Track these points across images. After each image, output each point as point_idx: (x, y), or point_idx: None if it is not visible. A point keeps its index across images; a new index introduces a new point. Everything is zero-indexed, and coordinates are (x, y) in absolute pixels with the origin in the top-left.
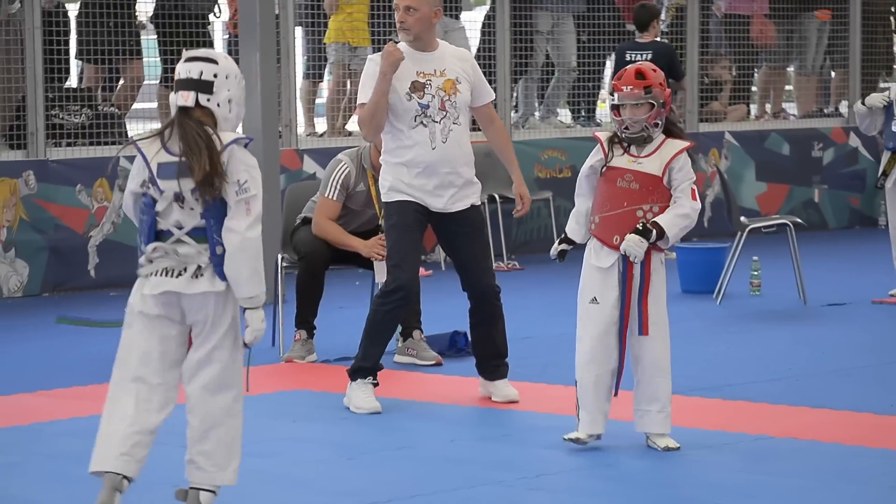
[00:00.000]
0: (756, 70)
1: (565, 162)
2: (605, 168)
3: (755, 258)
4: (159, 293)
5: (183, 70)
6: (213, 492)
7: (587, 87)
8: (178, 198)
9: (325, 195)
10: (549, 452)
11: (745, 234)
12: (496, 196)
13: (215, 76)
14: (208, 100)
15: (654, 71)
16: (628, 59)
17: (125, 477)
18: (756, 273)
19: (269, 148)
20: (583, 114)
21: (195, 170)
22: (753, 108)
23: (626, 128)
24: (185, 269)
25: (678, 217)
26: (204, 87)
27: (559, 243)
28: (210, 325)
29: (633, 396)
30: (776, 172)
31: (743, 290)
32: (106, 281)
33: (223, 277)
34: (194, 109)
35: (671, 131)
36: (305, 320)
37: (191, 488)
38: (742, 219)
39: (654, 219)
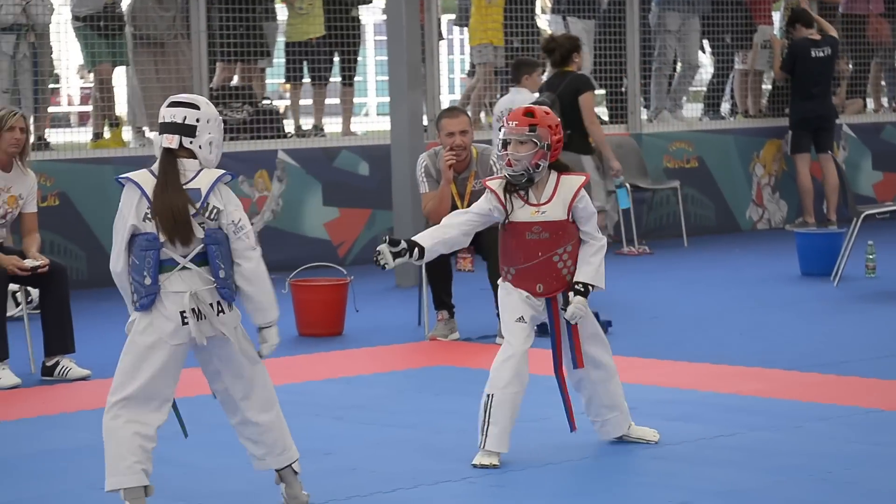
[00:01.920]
0: (870, 66)
1: (692, 153)
2: (507, 222)
3: (870, 242)
4: (205, 337)
5: (167, 114)
6: (294, 468)
7: (713, 83)
8: None
9: (421, 191)
10: (676, 425)
11: (860, 220)
12: (627, 185)
13: (197, 121)
14: (191, 142)
15: (547, 114)
16: (813, 55)
17: (144, 487)
18: (871, 256)
19: (415, 141)
20: (709, 108)
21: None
22: (870, 102)
23: (509, 164)
24: (205, 309)
25: (597, 263)
26: (187, 130)
27: (392, 247)
28: (238, 353)
29: (587, 410)
30: (892, 162)
31: (859, 272)
32: (267, 265)
33: (230, 300)
34: (179, 150)
35: (561, 167)
36: (442, 302)
37: (278, 471)
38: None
39: (582, 279)
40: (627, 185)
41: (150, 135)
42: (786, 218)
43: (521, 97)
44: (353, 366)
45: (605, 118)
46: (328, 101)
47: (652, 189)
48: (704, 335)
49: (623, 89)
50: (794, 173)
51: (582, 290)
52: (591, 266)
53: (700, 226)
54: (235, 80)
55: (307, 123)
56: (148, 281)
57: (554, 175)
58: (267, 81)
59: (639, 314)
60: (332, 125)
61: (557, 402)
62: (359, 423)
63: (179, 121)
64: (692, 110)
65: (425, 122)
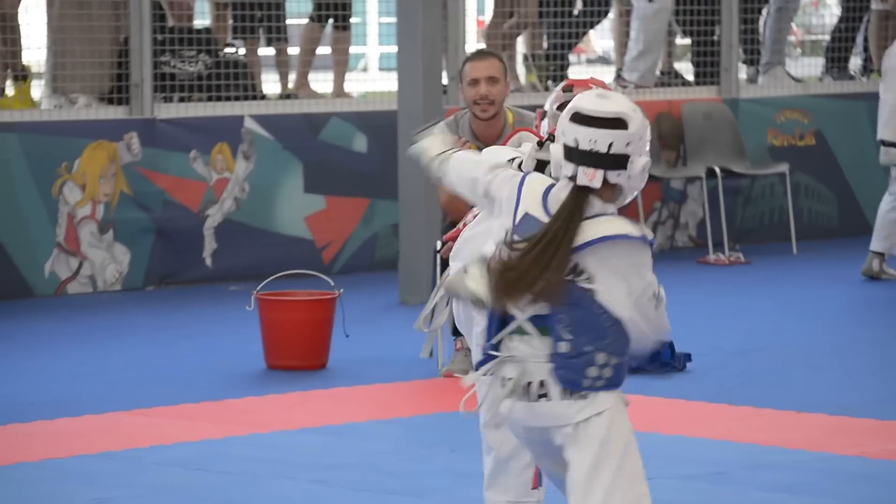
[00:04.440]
0: None
1: (808, 126)
2: None
3: None
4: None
5: (584, 138)
6: None
7: (839, 29)
8: None
9: None
10: (779, 497)
11: None
12: (716, 169)
13: (628, 145)
14: (618, 175)
15: None
16: None
17: None
18: None
19: (431, 106)
20: (833, 64)
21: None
22: None
23: None
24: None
25: None
26: (617, 162)
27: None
28: None
29: None
30: None
31: None
32: (225, 272)
33: (567, 384)
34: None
35: None
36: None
37: None
38: None
39: None
40: None
41: (81, 98)
42: None
43: None
44: (341, 411)
45: (690, 77)
46: (320, 50)
47: (751, 175)
48: (819, 376)
49: (715, 38)
50: None
51: None
52: None
53: (816, 226)
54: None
55: (281, 81)
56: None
57: None
58: (232, 22)
59: (729, 345)
60: (319, 84)
61: None
62: (348, 489)
63: (603, 150)
64: (808, 66)
65: (445, 81)
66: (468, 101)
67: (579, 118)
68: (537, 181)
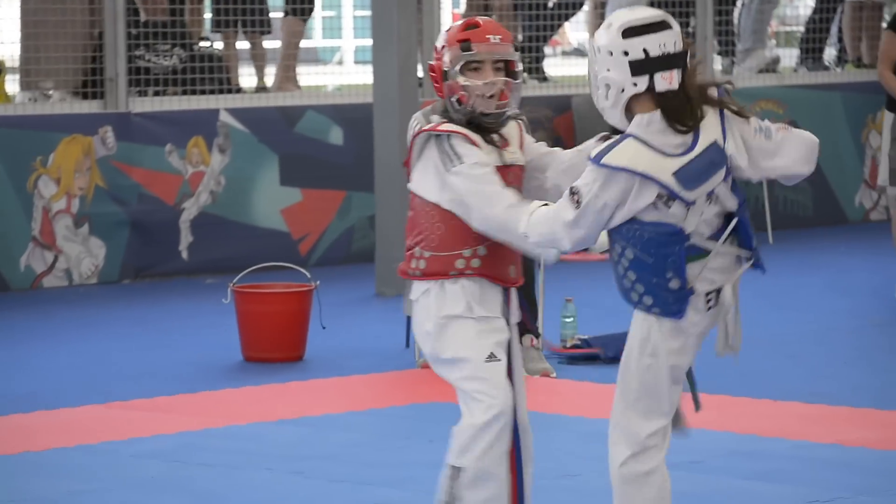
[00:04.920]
0: None
1: (783, 116)
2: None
3: None
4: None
5: (652, 45)
6: None
7: (814, 20)
8: (710, 196)
9: None
10: (756, 485)
11: None
12: None
13: (677, 43)
14: (681, 71)
15: None
16: None
17: None
18: None
19: (406, 98)
20: (808, 55)
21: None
22: None
23: None
24: None
25: None
26: (682, 59)
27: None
28: None
29: None
30: None
31: None
32: (201, 265)
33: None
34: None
35: None
36: None
37: None
38: None
39: None
40: None
41: (55, 93)
42: None
43: None
44: (318, 403)
45: None
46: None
47: None
48: (795, 365)
49: (690, 29)
50: None
51: None
52: None
53: (792, 216)
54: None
55: (257, 75)
56: (672, 284)
57: None
58: (208, 16)
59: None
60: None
61: (590, 452)
62: (326, 480)
63: (672, 49)
64: (784, 58)
65: (420, 74)
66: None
67: (635, 30)
68: (615, 156)
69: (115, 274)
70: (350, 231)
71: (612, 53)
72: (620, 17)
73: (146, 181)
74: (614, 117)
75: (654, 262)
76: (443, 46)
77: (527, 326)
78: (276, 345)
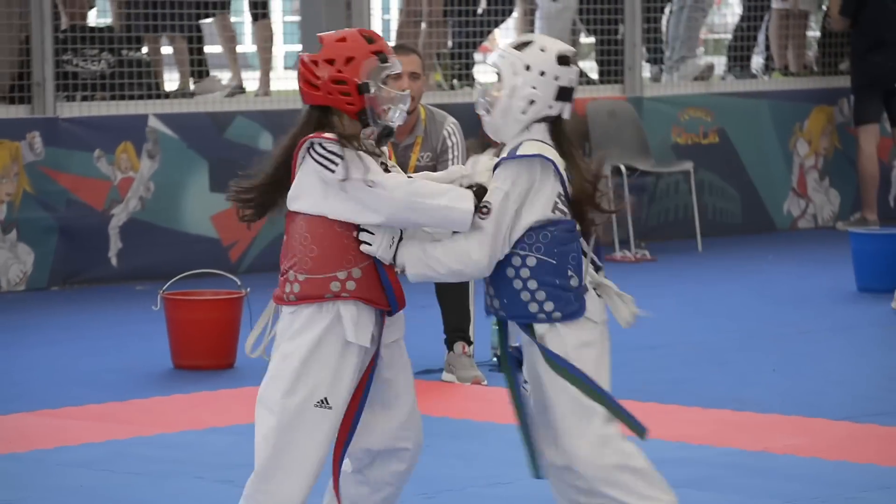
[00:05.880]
0: None
1: (711, 124)
2: None
3: None
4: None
5: (573, 78)
6: None
7: (741, 28)
8: None
9: None
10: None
11: None
12: (621, 167)
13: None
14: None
15: None
16: None
17: None
18: None
19: None
20: (735, 63)
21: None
22: None
23: None
24: None
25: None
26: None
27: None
28: None
29: None
30: None
31: None
32: (131, 271)
33: None
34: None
35: None
36: None
37: None
38: None
39: None
40: None
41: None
42: (838, 214)
43: None
44: (249, 410)
45: (594, 76)
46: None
47: (656, 173)
48: (723, 371)
49: (619, 37)
50: (851, 152)
51: None
52: None
53: (721, 223)
54: (91, 20)
55: (182, 80)
56: (571, 283)
57: None
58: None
59: (635, 342)
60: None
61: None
62: None
63: (574, 85)
64: (722, 66)
65: None
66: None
67: (567, 61)
68: (526, 148)
69: (43, 280)
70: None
71: (543, 74)
72: (554, 44)
73: (74, 187)
74: (514, 129)
75: (557, 263)
76: (349, 59)
77: (457, 333)
78: (206, 352)
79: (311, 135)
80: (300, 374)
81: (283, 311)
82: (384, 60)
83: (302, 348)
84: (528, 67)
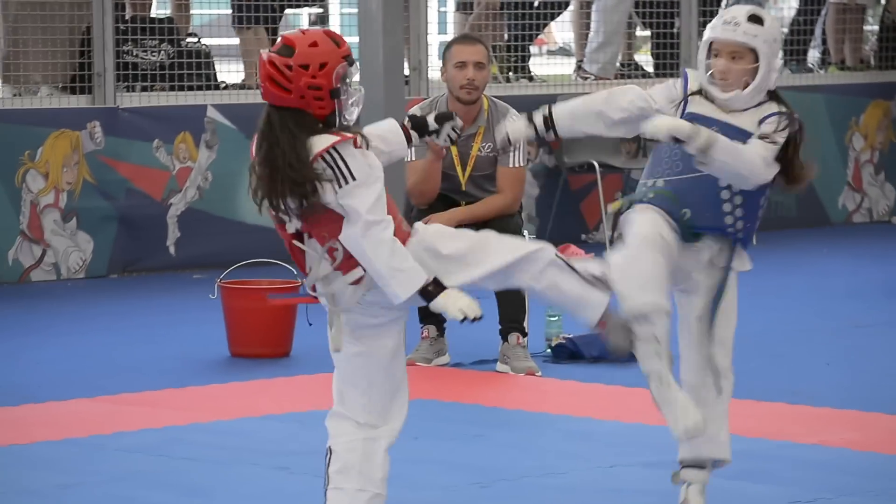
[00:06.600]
0: None
1: None
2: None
3: None
4: None
5: None
6: None
7: (797, 22)
8: None
9: (406, 159)
10: (737, 485)
11: None
12: (595, 164)
13: None
14: None
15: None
16: None
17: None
18: None
19: (393, 97)
20: (791, 57)
21: None
22: None
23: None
24: None
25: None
26: None
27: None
28: None
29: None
30: None
31: None
32: (188, 260)
33: None
34: None
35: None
36: (431, 313)
37: None
38: None
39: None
40: None
41: (43, 88)
42: (893, 208)
43: None
44: (304, 398)
45: (650, 69)
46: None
47: None
48: (778, 365)
49: (675, 30)
50: None
51: None
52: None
53: (775, 217)
54: (153, 10)
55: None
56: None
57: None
58: (194, 12)
59: None
60: None
61: (575, 450)
62: (311, 476)
63: None
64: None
65: (406, 72)
66: (453, 83)
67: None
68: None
69: (102, 268)
70: None
71: (776, 41)
72: (761, 10)
73: (134, 176)
74: (758, 99)
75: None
76: (322, 65)
77: (512, 324)
78: (262, 341)
79: (311, 136)
80: None
81: None
82: (351, 63)
83: None
84: (775, 40)
